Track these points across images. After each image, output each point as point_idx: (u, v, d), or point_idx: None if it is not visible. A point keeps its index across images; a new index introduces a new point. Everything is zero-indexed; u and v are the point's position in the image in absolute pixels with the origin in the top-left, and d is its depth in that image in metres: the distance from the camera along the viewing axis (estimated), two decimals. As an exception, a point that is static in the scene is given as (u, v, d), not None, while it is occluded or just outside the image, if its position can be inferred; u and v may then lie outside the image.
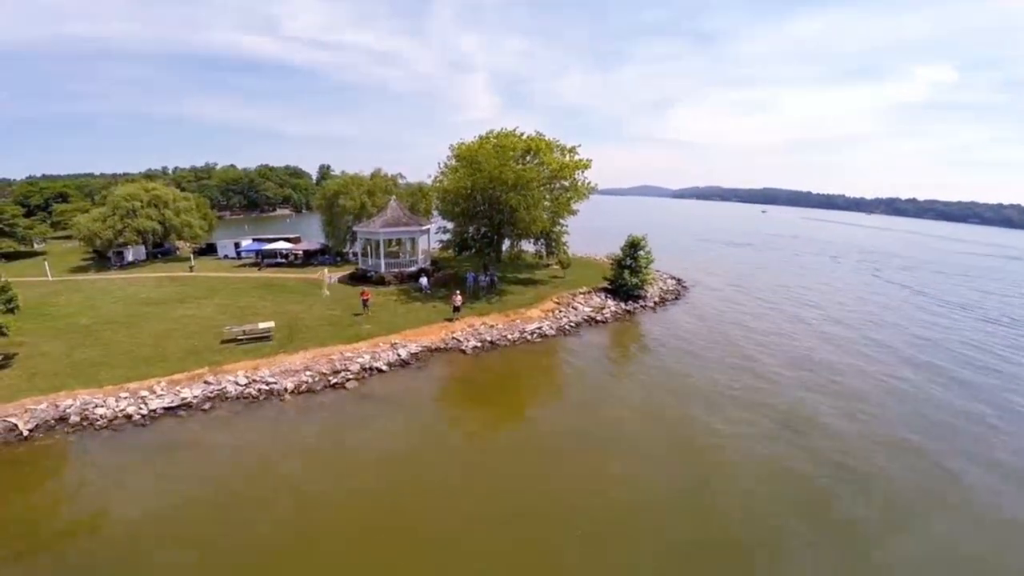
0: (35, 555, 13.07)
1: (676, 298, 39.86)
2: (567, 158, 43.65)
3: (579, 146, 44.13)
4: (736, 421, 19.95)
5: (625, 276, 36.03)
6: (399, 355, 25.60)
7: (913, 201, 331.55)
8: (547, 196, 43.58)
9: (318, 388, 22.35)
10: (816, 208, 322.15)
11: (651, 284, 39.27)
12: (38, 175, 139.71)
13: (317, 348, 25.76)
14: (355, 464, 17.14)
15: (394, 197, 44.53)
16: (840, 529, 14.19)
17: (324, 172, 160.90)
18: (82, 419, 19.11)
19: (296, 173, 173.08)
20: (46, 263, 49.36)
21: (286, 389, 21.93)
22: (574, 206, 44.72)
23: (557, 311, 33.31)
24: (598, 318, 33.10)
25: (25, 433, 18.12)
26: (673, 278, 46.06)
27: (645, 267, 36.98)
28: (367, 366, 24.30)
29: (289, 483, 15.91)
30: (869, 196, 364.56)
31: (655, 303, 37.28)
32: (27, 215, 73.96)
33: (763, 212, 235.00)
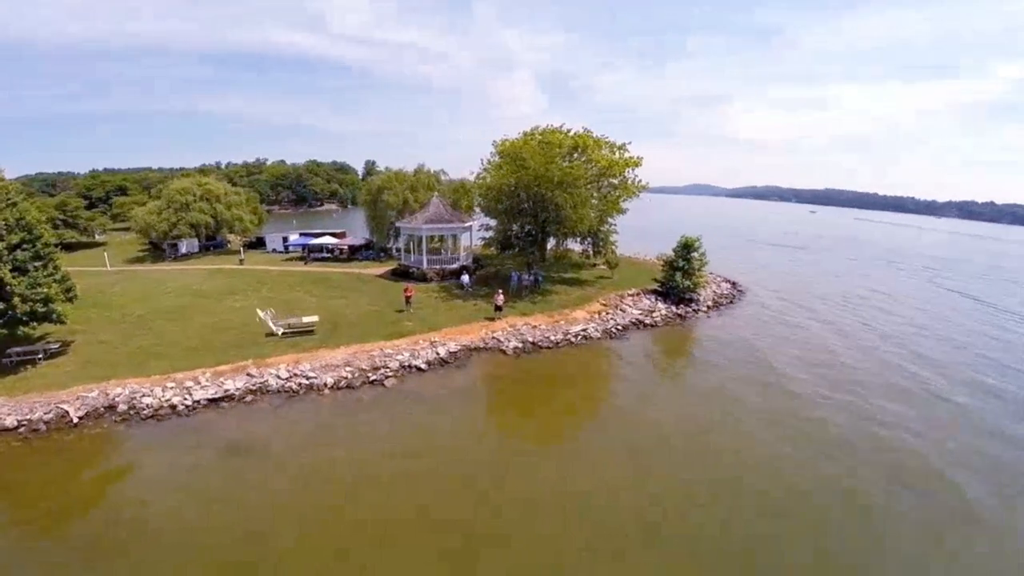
0: (73, 538, 13.77)
1: (731, 303, 38.36)
2: (616, 155, 42.91)
3: (629, 143, 43.35)
4: (789, 441, 18.77)
5: (677, 278, 34.96)
6: (438, 353, 25.67)
7: (991, 204, 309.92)
8: (595, 194, 42.94)
9: (357, 384, 22.66)
10: (884, 211, 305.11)
11: (704, 287, 37.98)
12: (100, 169, 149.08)
13: (358, 344, 26.19)
14: (388, 462, 17.16)
15: (436, 193, 44.95)
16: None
17: (369, 168, 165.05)
18: (129, 408, 20.02)
19: (343, 169, 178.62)
20: (105, 254, 52.58)
21: (325, 384, 22.36)
22: (623, 204, 43.89)
23: (604, 313, 32.67)
24: (647, 321, 32.24)
25: (75, 420, 19.10)
26: (728, 281, 44.39)
27: (698, 269, 35.79)
28: (406, 364, 24.48)
29: (321, 479, 16.17)
30: (941, 199, 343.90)
31: (708, 308, 36.00)
32: (89, 207, 79.38)
33: (812, 212, 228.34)
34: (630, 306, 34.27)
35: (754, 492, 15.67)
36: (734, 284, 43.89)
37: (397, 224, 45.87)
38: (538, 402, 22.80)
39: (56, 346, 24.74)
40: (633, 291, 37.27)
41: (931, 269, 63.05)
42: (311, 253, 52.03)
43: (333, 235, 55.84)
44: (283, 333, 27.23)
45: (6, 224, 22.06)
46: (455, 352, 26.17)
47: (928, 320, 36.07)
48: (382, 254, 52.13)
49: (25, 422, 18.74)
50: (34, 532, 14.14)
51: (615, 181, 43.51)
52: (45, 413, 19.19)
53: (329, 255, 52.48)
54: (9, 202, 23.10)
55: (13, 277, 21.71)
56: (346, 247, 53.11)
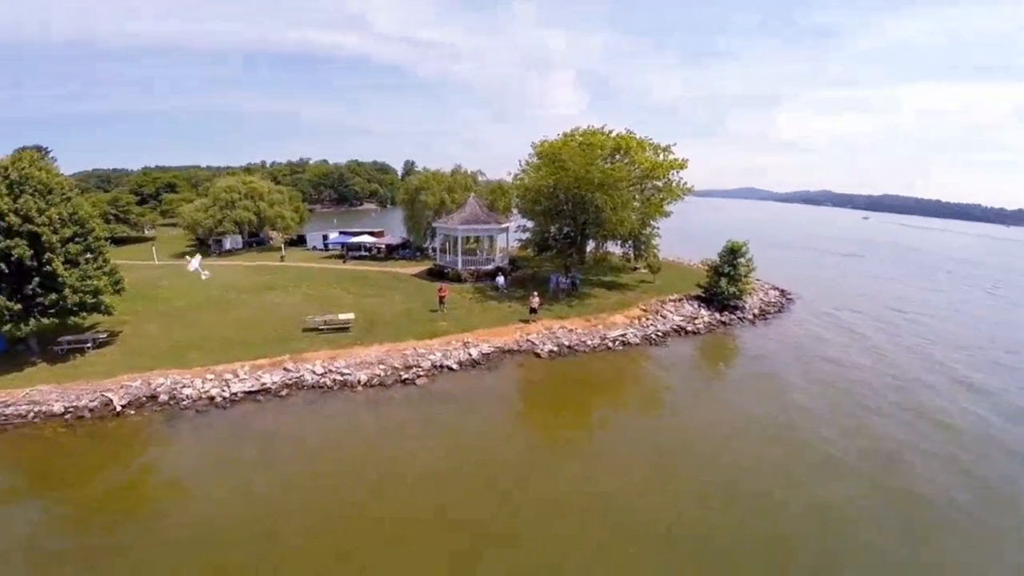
0: (107, 522, 14.36)
1: (779, 311, 36.92)
2: (661, 157, 42.11)
3: (674, 144, 42.47)
4: (818, 460, 17.74)
5: (722, 284, 33.90)
6: (470, 354, 25.66)
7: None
8: (637, 196, 42.22)
9: (389, 383, 22.89)
10: (947, 218, 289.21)
11: (751, 294, 36.74)
12: (152, 166, 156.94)
13: (391, 342, 26.45)
14: (414, 460, 17.20)
15: (473, 194, 45.16)
16: None
17: (408, 168, 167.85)
18: (170, 398, 20.81)
19: (383, 168, 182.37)
20: (154, 248, 55.17)
21: (359, 381, 22.67)
22: (667, 207, 43.00)
23: (644, 318, 31.99)
24: (689, 328, 31.38)
25: (118, 409, 19.96)
26: (776, 289, 42.81)
27: (745, 276, 34.63)
28: (438, 364, 24.58)
29: (349, 475, 16.38)
30: (1011, 206, 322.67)
31: (754, 316, 34.75)
32: (140, 203, 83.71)
33: (865, 219, 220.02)
34: (672, 312, 33.45)
35: (771, 503, 15.10)
36: (783, 292, 42.29)
37: (433, 224, 46.32)
38: (569, 406, 22.49)
39: (104, 336, 25.99)
40: (675, 296, 36.38)
41: (993, 279, 59.28)
42: (349, 251, 53.30)
43: (371, 234, 56.97)
44: (319, 329, 27.79)
45: (60, 218, 23.23)
46: (488, 354, 26.10)
47: (990, 335, 33.71)
48: (418, 253, 52.84)
49: (72, 409, 19.72)
50: (71, 514, 14.83)
51: (659, 183, 42.72)
52: (91, 401, 20.15)
53: (367, 254, 53.61)
54: (64, 197, 24.35)
55: (65, 269, 22.82)
56: (383, 246, 54.12)
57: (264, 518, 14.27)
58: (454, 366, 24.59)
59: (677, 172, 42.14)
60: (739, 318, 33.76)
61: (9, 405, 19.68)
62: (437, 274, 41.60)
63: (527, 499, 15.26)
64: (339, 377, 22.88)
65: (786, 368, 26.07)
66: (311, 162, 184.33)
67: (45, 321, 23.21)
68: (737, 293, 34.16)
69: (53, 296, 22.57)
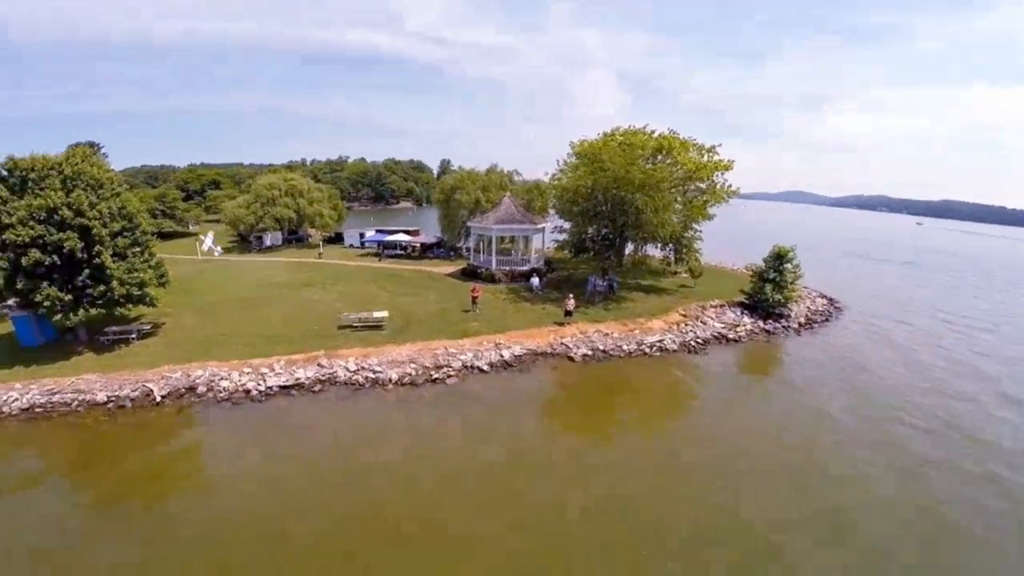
0: (140, 508, 14.87)
1: (826, 320, 35.38)
2: (705, 158, 41.02)
3: (719, 145, 41.30)
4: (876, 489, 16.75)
5: (767, 291, 32.71)
6: (502, 356, 25.49)
7: None
8: (679, 198, 41.23)
9: (419, 382, 22.96)
10: (1013, 225, 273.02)
11: (797, 302, 35.35)
12: (197, 163, 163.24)
13: (423, 341, 26.54)
14: (442, 464, 17.13)
15: (508, 194, 44.95)
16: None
17: (444, 167, 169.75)
18: (208, 390, 21.42)
19: (419, 167, 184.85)
20: (197, 243, 57.11)
21: (390, 380, 22.82)
22: (710, 210, 41.84)
23: (683, 324, 31.17)
24: (730, 336, 30.40)
25: (158, 399, 20.68)
26: (824, 297, 41.12)
27: (791, 282, 33.32)
28: (469, 364, 24.51)
29: (376, 474, 16.45)
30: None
31: (800, 324, 33.40)
32: (186, 199, 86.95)
33: (918, 224, 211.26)
34: (712, 318, 32.49)
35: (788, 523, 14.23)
36: (831, 300, 40.57)
37: (468, 223, 46.39)
38: (600, 412, 22.07)
39: (148, 327, 27.00)
40: (717, 302, 35.35)
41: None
42: (385, 249, 54.06)
43: (407, 232, 57.55)
44: (354, 326, 28.16)
45: (110, 212, 24.22)
46: (520, 356, 25.87)
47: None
48: (452, 253, 53.11)
49: (114, 398, 20.51)
50: (107, 500, 15.43)
51: (702, 185, 41.61)
52: (132, 391, 20.91)
53: (402, 252, 54.24)
54: (113, 192, 25.39)
55: (113, 262, 23.78)
56: (418, 245, 54.62)
57: (286, 513, 14.49)
58: (485, 367, 24.47)
59: (722, 174, 40.93)
60: (783, 327, 32.52)
61: (56, 393, 20.61)
62: (471, 274, 41.63)
63: (550, 507, 15.00)
64: (371, 375, 23.09)
65: (827, 380, 24.88)
66: (350, 160, 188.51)
67: (93, 312, 24.21)
68: (782, 300, 32.91)
69: (101, 288, 23.55)
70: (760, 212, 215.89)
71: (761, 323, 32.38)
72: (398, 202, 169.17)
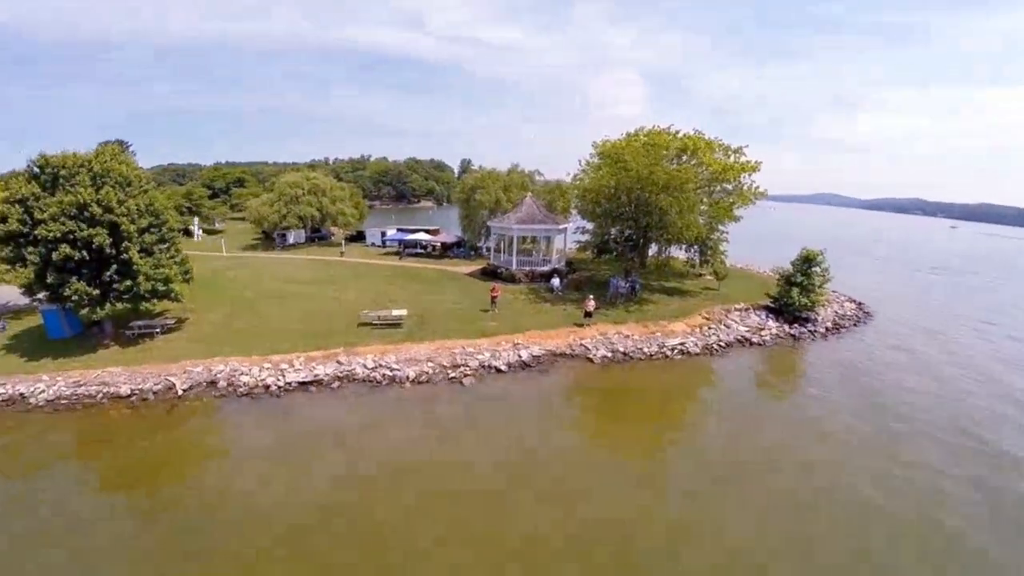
0: (158, 498, 15.23)
1: (854, 325, 34.57)
2: (731, 159, 40.53)
3: (746, 146, 40.77)
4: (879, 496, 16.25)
5: (793, 295, 32.11)
6: (520, 356, 25.51)
7: None
8: (704, 200, 40.78)
9: (436, 380, 23.14)
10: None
11: (824, 306, 34.63)
12: (223, 162, 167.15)
13: (441, 340, 26.72)
14: (453, 466, 17.17)
15: (530, 194, 44.96)
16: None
17: (465, 166, 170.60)
18: (228, 384, 21.90)
19: (440, 166, 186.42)
20: (222, 240, 58.38)
21: (407, 377, 23.02)
22: (737, 212, 41.28)
23: (706, 327, 30.79)
24: (754, 340, 29.93)
25: (180, 392, 21.23)
26: (852, 301, 40.21)
27: (819, 286, 32.64)
28: (486, 364, 24.59)
29: (387, 473, 16.56)
30: None
31: (827, 329, 32.70)
32: (211, 197, 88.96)
33: (952, 228, 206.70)
34: (736, 322, 32.04)
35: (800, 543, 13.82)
36: (859, 305, 39.65)
37: (488, 223, 46.56)
38: (618, 415, 21.93)
39: (172, 322, 27.70)
40: (741, 305, 34.85)
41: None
42: (406, 248, 54.60)
43: (427, 232, 58.01)
44: (373, 324, 28.49)
45: (137, 209, 24.91)
46: (538, 356, 25.85)
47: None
48: (472, 252, 53.37)
49: (137, 391, 21.10)
50: (125, 491, 15.91)
51: (728, 186, 41.10)
52: (155, 384, 21.49)
53: (422, 251, 54.69)
54: (141, 189, 26.12)
55: (140, 257, 24.45)
56: (439, 244, 54.99)
57: (298, 504, 14.78)
58: (503, 367, 24.52)
59: (749, 175, 40.38)
60: (810, 331, 31.87)
61: (81, 385, 21.30)
62: (491, 273, 41.75)
63: (560, 514, 14.88)
64: (388, 372, 23.32)
65: (852, 388, 24.24)
66: (372, 159, 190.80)
67: (119, 306, 24.97)
68: (809, 305, 32.26)
69: (128, 283, 24.21)
70: (789, 213, 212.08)
71: (787, 327, 31.81)
72: (419, 201, 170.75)
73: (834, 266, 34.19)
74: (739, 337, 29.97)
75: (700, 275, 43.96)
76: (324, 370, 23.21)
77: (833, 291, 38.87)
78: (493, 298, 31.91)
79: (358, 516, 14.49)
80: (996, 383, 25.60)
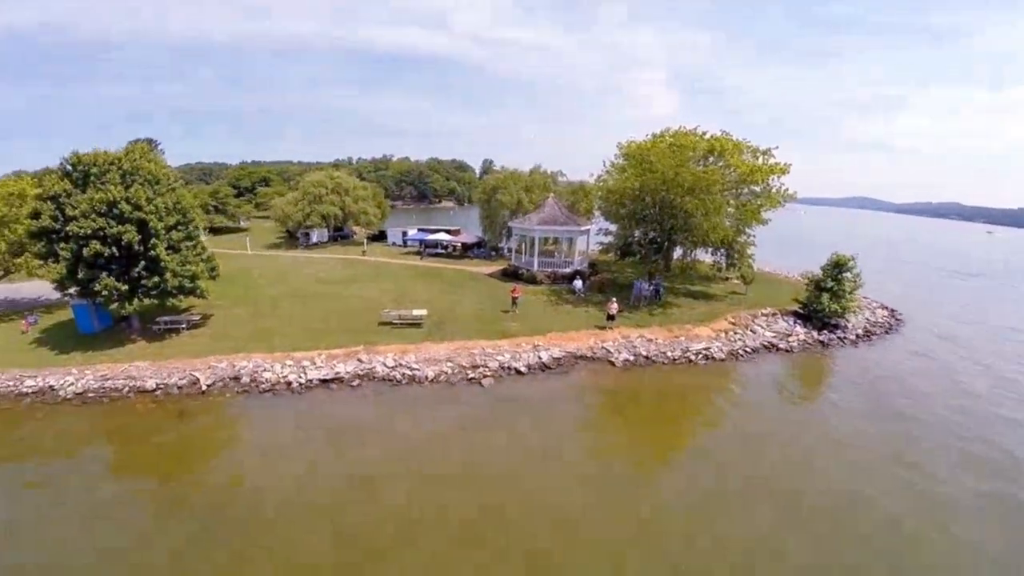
0: (180, 491, 15.50)
1: (885, 333, 33.60)
2: (760, 161, 39.89)
3: (775, 148, 40.11)
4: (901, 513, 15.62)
5: (823, 300, 31.37)
6: (540, 358, 25.41)
7: None
8: (731, 202, 40.18)
9: (455, 381, 23.20)
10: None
11: (855, 313, 33.77)
12: (249, 161, 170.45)
13: (461, 340, 26.78)
14: (468, 466, 17.19)
15: (552, 195, 44.82)
16: None
17: (487, 167, 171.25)
18: (251, 380, 22.30)
19: (461, 167, 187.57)
20: (247, 238, 59.53)
21: (426, 377, 23.14)
22: (765, 215, 40.59)
23: (731, 332, 30.29)
24: (781, 345, 29.34)
25: (204, 387, 21.69)
26: (885, 308, 39.14)
27: (850, 292, 31.85)
28: (506, 365, 24.55)
29: (411, 468, 16.68)
30: None
31: (857, 336, 31.86)
32: (237, 196, 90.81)
33: (989, 233, 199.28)
34: (763, 327, 31.45)
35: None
36: (892, 312, 38.56)
37: (510, 224, 46.55)
38: (637, 419, 21.64)
39: (197, 318, 28.32)
40: (768, 311, 34.20)
41: None
42: (426, 248, 54.95)
43: (448, 232, 58.30)
44: (393, 323, 28.70)
45: (165, 207, 25.50)
46: (558, 358, 25.71)
47: None
48: (493, 253, 53.45)
49: (162, 386, 21.61)
50: (150, 482, 16.26)
51: (757, 189, 40.45)
52: (180, 379, 21.99)
53: (443, 251, 55.01)
54: (169, 187, 26.76)
55: (168, 254, 25.04)
56: (459, 244, 55.22)
57: (315, 500, 14.95)
58: (522, 369, 24.44)
59: (778, 177, 39.67)
60: (839, 338, 31.10)
61: (109, 379, 21.89)
62: (511, 274, 41.72)
63: (571, 520, 14.69)
64: (408, 372, 23.46)
65: (877, 398, 23.46)
66: (394, 159, 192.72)
67: (147, 302, 25.59)
68: (839, 311, 31.49)
69: (156, 279, 24.82)
70: (820, 217, 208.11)
71: (815, 333, 31.11)
72: (440, 201, 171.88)
73: (865, 272, 33.34)
74: (765, 343, 29.42)
75: (726, 279, 43.30)
76: (345, 368, 23.45)
77: (865, 297, 37.93)
78: (514, 299, 31.87)
79: (371, 512, 14.57)
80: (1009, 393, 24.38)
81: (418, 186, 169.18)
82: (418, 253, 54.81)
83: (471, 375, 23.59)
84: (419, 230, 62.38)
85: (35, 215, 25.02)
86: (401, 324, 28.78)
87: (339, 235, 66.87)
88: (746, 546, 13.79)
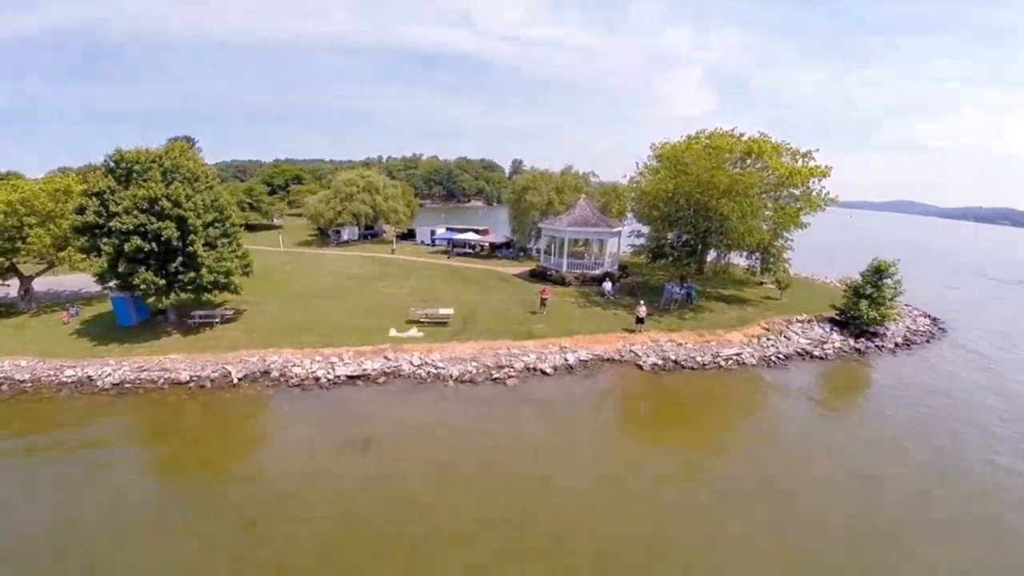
0: (214, 480, 16.07)
1: (927, 341, 32.39)
2: (799, 163, 39.04)
3: (815, 150, 39.21)
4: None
5: (861, 307, 30.44)
6: (566, 360, 25.34)
7: None
8: (769, 205, 39.41)
9: (479, 380, 23.31)
10: None
11: (895, 321, 32.68)
12: (282, 159, 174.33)
13: (486, 340, 26.90)
14: (498, 464, 17.29)
15: (584, 195, 44.62)
16: None
17: (516, 167, 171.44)
18: (281, 375, 22.87)
19: (490, 166, 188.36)
20: (280, 236, 60.96)
21: (451, 376, 23.33)
22: (804, 219, 39.67)
23: (764, 338, 29.67)
24: (816, 353, 28.59)
25: (235, 381, 22.35)
26: (926, 316, 37.76)
27: (890, 299, 30.84)
28: (531, 366, 24.56)
29: (433, 467, 16.81)
30: None
31: (896, 344, 30.81)
32: (271, 193, 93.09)
33: None
34: (797, 333, 30.70)
35: None
36: (934, 320, 37.15)
37: (539, 224, 46.52)
38: (669, 428, 21.32)
39: (231, 313, 29.12)
40: (804, 317, 33.36)
41: None
42: (454, 247, 55.35)
43: (476, 231, 58.60)
44: (420, 322, 29.03)
45: (203, 204, 26.30)
46: (585, 361, 25.60)
47: None
48: (521, 253, 53.47)
49: (195, 378, 22.34)
50: (179, 471, 16.95)
51: (796, 192, 39.59)
52: (212, 372, 22.69)
53: (471, 251, 55.30)
54: (207, 185, 27.60)
55: (204, 251, 25.81)
56: (487, 244, 55.44)
57: (325, 501, 15.13)
58: (548, 370, 24.42)
59: (818, 180, 38.77)
60: (877, 346, 30.12)
61: (144, 370, 22.74)
62: (540, 275, 41.69)
63: (588, 530, 14.45)
64: (433, 370, 23.70)
65: (912, 408, 22.63)
66: (423, 158, 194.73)
67: (183, 296, 26.45)
68: (878, 319, 30.50)
69: (192, 274, 25.62)
70: (863, 221, 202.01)
71: (851, 341, 30.20)
72: (468, 200, 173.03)
73: (907, 278, 32.22)
74: (799, 350, 28.71)
75: (761, 283, 42.44)
76: (372, 365, 23.83)
77: (906, 304, 36.72)
78: (543, 300, 31.84)
79: (396, 505, 14.75)
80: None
81: (447, 185, 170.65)
82: (446, 252, 55.26)
83: (496, 375, 23.67)
84: (447, 229, 62.85)
85: (80, 210, 26.09)
86: (428, 322, 29.05)
87: (369, 233, 67.92)
88: (759, 548, 13.58)
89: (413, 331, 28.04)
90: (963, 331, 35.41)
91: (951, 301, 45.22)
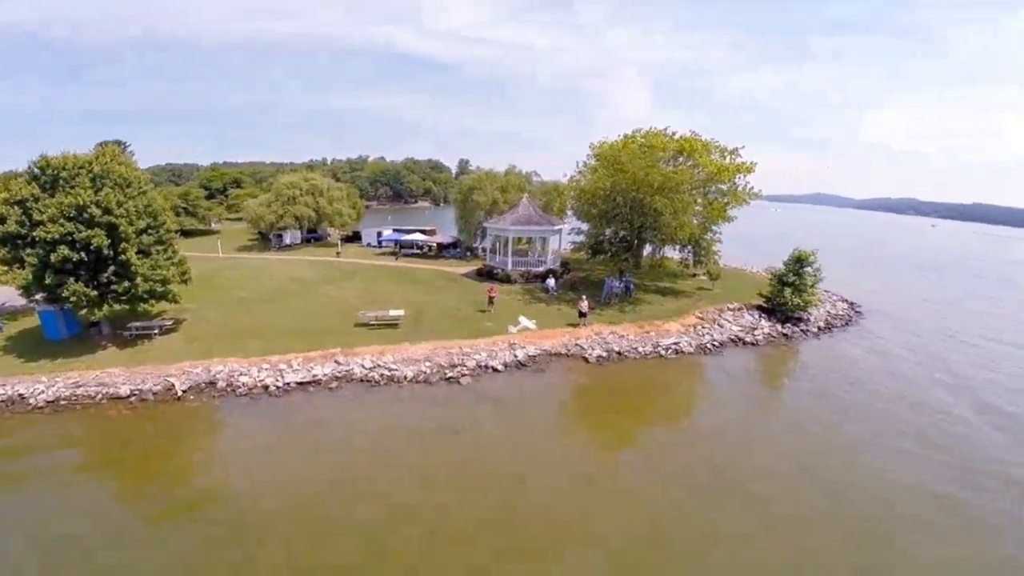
0: (156, 497, 15.38)
1: (845, 325, 34.87)
2: (727, 160, 40.93)
3: (742, 148, 41.23)
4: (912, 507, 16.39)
5: (785, 294, 32.40)
6: (516, 356, 25.70)
7: None
8: (699, 200, 41.16)
9: (434, 380, 23.29)
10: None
11: (816, 306, 34.94)
12: (220, 162, 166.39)
13: (438, 340, 26.88)
14: (470, 465, 17.33)
15: (527, 195, 45.13)
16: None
17: (463, 167, 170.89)
18: (227, 385, 22.01)
19: (437, 167, 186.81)
20: (219, 241, 58.39)
21: (405, 377, 23.19)
22: (731, 212, 41.65)
23: (699, 327, 31.06)
24: (747, 339, 30.21)
25: (179, 393, 21.31)
26: (845, 301, 40.54)
27: (811, 286, 32.95)
28: (483, 363, 24.76)
29: (404, 470, 16.71)
30: None
31: (819, 328, 33.03)
32: (208, 198, 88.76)
33: (933, 227, 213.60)
34: (729, 321, 32.31)
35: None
36: (851, 304, 39.97)
37: (484, 224, 46.70)
38: (616, 416, 21.97)
39: (170, 323, 27.75)
40: (735, 305, 35.13)
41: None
42: (402, 249, 54.72)
43: (423, 232, 58.09)
44: (370, 324, 28.61)
45: (136, 210, 24.93)
46: (534, 356, 26.05)
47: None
48: (468, 253, 53.49)
49: (136, 392, 21.18)
50: (126, 489, 16.19)
51: (724, 187, 41.51)
52: (154, 384, 21.58)
53: (418, 251, 54.86)
54: (140, 190, 26.14)
55: (138, 259, 24.47)
56: (435, 244, 55.14)
57: (289, 509, 14.82)
58: (499, 367, 24.69)
59: (744, 176, 40.81)
60: (802, 331, 32.18)
61: (80, 386, 21.35)
62: (486, 274, 41.88)
63: (555, 517, 15.02)
64: (386, 372, 23.47)
65: (838, 388, 24.44)
66: (369, 160, 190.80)
67: (117, 307, 25.01)
68: (802, 304, 32.56)
69: (126, 284, 24.22)
70: (784, 214, 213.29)
71: (779, 327, 32.10)
72: (416, 201, 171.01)
73: (826, 266, 34.47)
74: (732, 336, 30.24)
75: (694, 275, 44.32)
76: (322, 370, 23.34)
77: (825, 291, 39.21)
78: (491, 298, 32.08)
79: (353, 516, 14.62)
80: (973, 390, 24.94)
81: (394, 186, 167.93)
82: (393, 254, 54.51)
83: (449, 374, 23.72)
84: (394, 230, 61.94)
85: (0, 220, 24.22)
86: (378, 325, 28.71)
87: (313, 237, 66.00)
88: (710, 527, 14.40)
89: (525, 321, 29.08)
90: (877, 314, 38.33)
91: (864, 286, 48.56)
